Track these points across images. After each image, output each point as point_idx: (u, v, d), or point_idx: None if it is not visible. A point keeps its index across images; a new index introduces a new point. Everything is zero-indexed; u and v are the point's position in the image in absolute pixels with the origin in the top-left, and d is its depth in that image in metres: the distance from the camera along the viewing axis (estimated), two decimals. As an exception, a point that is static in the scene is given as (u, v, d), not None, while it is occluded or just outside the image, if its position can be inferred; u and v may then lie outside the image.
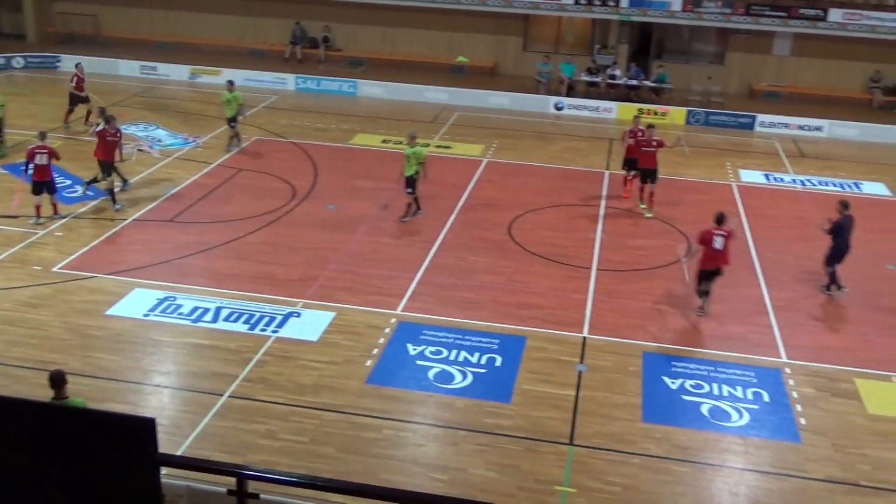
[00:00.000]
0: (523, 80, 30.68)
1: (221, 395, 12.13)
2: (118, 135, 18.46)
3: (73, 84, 23.81)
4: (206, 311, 14.34)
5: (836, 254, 15.77)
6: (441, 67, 31.99)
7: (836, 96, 30.27)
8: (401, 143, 23.96)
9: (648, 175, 19.40)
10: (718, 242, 14.48)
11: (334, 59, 32.58)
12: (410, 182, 18.29)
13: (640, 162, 19.51)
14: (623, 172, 20.58)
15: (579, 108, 28.71)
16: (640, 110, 20.54)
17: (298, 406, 12.01)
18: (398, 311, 14.71)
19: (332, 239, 17.43)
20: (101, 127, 18.55)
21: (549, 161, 23.45)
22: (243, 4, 32.94)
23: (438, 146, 24.13)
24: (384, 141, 24.33)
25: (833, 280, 15.94)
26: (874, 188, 22.37)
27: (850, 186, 22.44)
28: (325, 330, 13.97)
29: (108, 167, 18.32)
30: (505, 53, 32.62)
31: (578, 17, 31.35)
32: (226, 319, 14.11)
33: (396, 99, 29.21)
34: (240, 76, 28.15)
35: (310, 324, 14.14)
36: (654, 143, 19.24)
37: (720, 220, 14.64)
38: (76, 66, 24.42)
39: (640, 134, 19.67)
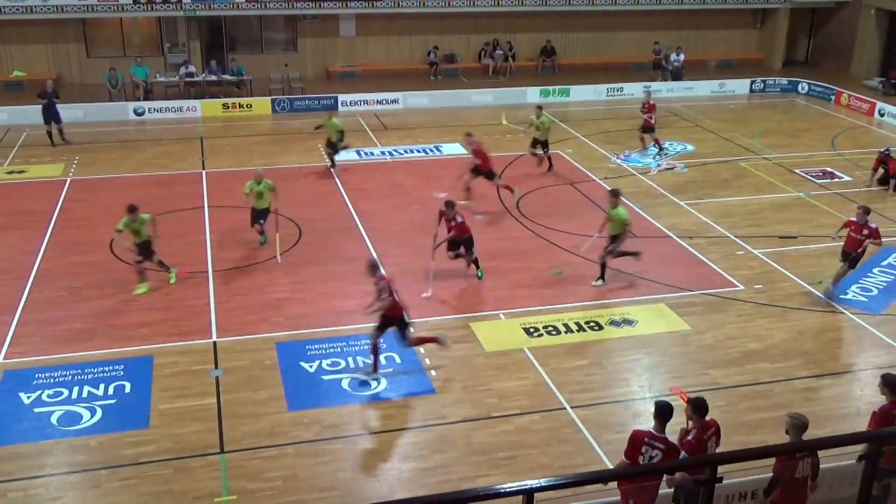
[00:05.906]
0: (93, 89, 28.78)
1: None
2: None
3: None
4: None
5: None
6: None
7: (401, 70, 32.59)
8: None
9: None
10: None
11: None
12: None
13: None
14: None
15: (162, 111, 27.63)
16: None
17: None
18: (0, 360, 13.13)
19: None
20: None
21: (141, 170, 22.31)
22: None
23: (10, 172, 21.83)
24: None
25: None
26: (452, 149, 24.36)
27: (431, 150, 24.28)
28: None
29: None
30: (67, 62, 30.29)
31: (140, 16, 30.08)
32: None
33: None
34: None
35: None
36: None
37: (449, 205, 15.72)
38: None
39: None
